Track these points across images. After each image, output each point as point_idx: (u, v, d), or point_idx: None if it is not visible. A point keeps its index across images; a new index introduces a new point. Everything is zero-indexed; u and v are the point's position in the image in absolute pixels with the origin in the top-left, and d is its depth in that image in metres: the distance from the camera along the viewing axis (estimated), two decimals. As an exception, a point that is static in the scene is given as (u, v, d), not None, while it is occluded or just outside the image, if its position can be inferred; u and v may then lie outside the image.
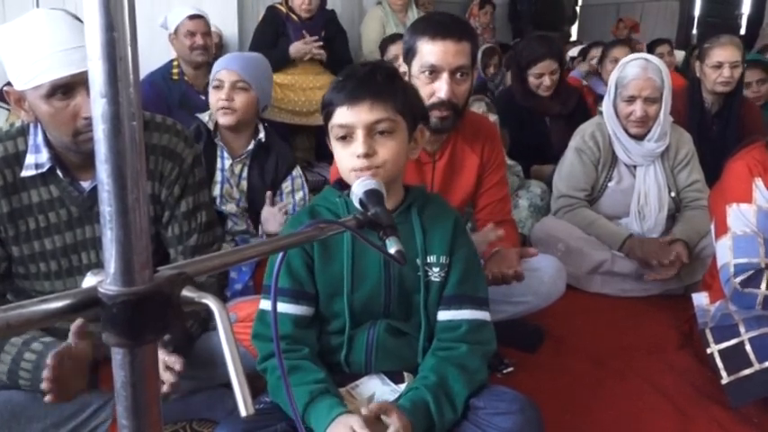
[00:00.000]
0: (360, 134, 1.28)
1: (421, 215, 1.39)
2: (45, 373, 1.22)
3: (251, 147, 2.28)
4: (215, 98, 2.24)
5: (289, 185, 2.35)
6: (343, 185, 1.40)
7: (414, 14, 4.56)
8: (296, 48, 3.60)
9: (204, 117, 2.31)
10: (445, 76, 1.78)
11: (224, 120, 2.23)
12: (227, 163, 2.27)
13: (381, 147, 1.29)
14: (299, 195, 2.37)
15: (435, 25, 1.81)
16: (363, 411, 1.20)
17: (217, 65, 2.31)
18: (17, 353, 1.36)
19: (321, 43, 3.63)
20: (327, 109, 1.33)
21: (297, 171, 2.39)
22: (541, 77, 3.34)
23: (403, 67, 1.87)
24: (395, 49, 3.81)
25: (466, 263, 1.39)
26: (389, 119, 1.29)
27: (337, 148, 1.33)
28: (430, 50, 1.78)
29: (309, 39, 3.61)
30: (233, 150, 2.29)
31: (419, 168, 1.91)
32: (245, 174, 2.30)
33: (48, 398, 1.24)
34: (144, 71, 3.23)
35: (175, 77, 3.32)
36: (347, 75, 1.34)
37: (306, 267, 1.35)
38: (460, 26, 1.85)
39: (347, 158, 1.30)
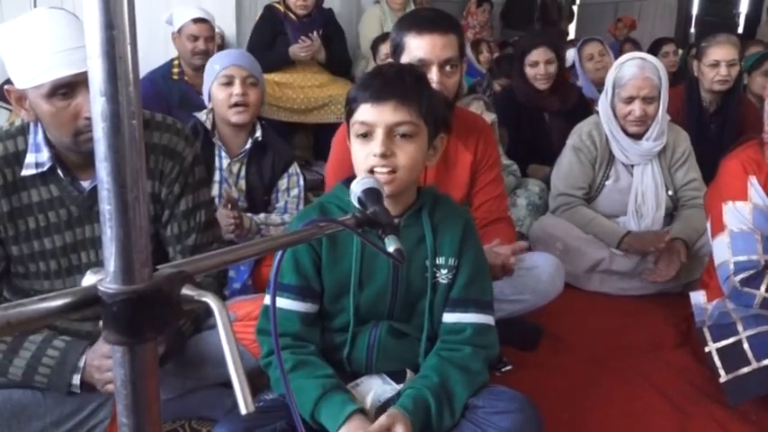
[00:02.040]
0: (380, 133, 1.27)
1: (432, 217, 1.38)
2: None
3: (248, 146, 2.27)
4: (225, 95, 2.20)
5: (285, 183, 2.34)
6: None
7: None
8: (293, 52, 3.60)
9: (201, 116, 2.28)
10: (435, 69, 1.80)
11: (239, 117, 2.20)
12: (225, 162, 2.26)
13: (400, 150, 1.28)
14: (293, 192, 2.35)
15: (421, 20, 1.83)
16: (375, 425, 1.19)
17: (220, 61, 2.26)
18: (37, 350, 1.37)
19: (317, 38, 3.60)
20: (351, 105, 1.32)
21: (294, 168, 2.37)
22: (537, 66, 3.33)
23: None
24: (385, 48, 3.81)
25: (474, 265, 1.38)
26: (412, 122, 1.28)
27: (356, 146, 1.32)
28: (417, 45, 1.80)
29: (308, 40, 3.60)
30: (231, 150, 2.28)
31: None
32: (243, 173, 2.29)
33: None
34: (143, 70, 3.22)
35: (175, 77, 3.31)
36: (375, 73, 1.34)
37: (313, 264, 1.35)
38: (446, 19, 1.87)
39: (364, 157, 1.29)
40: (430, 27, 1.79)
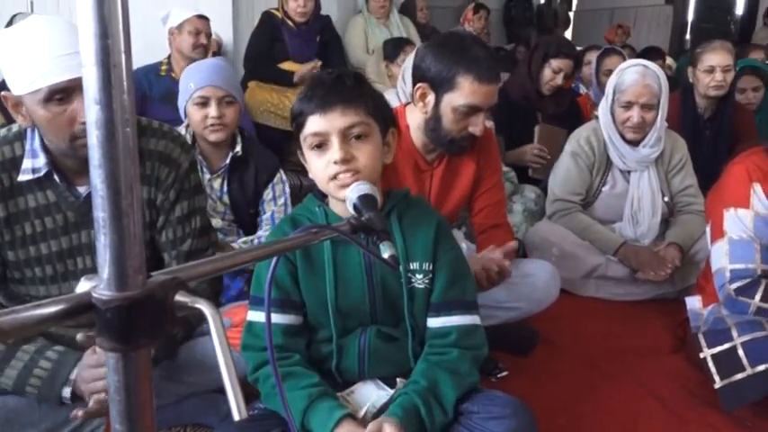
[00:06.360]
0: (335, 140, 1.26)
1: (401, 221, 1.37)
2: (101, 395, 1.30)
3: (228, 161, 2.23)
4: (200, 116, 2.14)
5: (270, 193, 2.31)
6: (322, 194, 1.39)
7: (396, 18, 4.58)
8: (299, 75, 3.61)
9: (181, 130, 2.20)
10: (482, 114, 1.80)
11: (215, 136, 2.16)
12: (207, 177, 2.22)
13: (358, 151, 1.27)
14: (280, 201, 2.32)
15: (483, 66, 1.75)
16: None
17: (194, 79, 2.18)
18: (30, 360, 1.36)
19: (320, 64, 3.62)
20: (298, 120, 1.31)
21: (278, 177, 2.32)
22: (558, 73, 3.30)
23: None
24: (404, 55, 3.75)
25: (451, 267, 1.37)
26: (362, 122, 1.28)
27: (312, 159, 1.31)
28: (475, 91, 1.75)
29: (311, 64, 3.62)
30: (211, 165, 2.24)
31: (418, 176, 1.91)
32: (225, 188, 2.26)
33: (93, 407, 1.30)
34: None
35: (162, 73, 3.35)
36: (315, 84, 1.32)
37: (291, 277, 1.34)
38: (496, 64, 1.83)
39: (323, 167, 1.28)
40: (490, 77, 1.75)
